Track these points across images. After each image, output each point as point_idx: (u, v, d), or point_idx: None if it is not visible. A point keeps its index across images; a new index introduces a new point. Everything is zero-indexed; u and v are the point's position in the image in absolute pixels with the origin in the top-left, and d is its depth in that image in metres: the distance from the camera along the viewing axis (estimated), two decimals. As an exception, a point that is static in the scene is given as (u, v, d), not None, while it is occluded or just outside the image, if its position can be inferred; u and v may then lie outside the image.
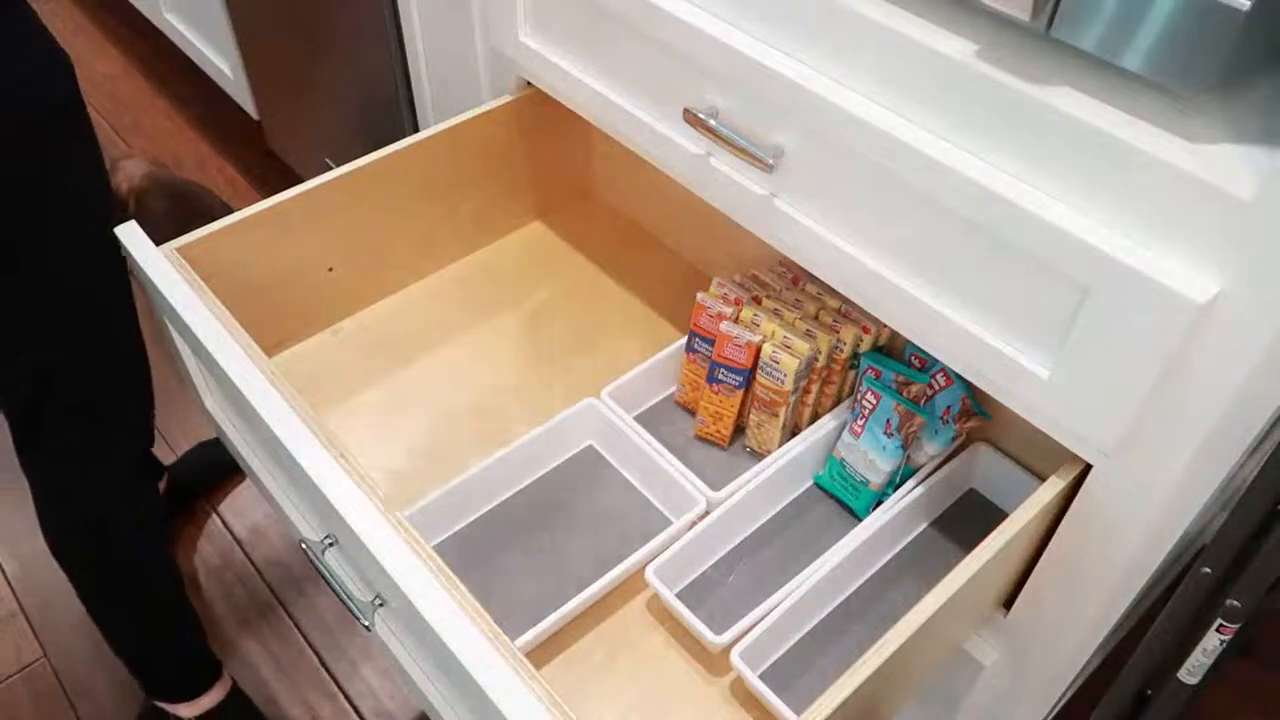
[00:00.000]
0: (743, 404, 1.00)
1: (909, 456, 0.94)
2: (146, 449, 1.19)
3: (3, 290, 0.95)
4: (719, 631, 0.84)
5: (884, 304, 0.80)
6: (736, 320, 0.97)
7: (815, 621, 0.90)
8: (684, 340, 1.03)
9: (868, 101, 0.74)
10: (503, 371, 1.11)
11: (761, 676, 0.83)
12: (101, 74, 2.63)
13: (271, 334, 1.10)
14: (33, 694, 1.47)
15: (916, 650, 0.75)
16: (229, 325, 0.86)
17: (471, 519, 0.97)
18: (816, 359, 0.96)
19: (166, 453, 1.78)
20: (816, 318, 0.99)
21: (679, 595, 0.88)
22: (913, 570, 0.94)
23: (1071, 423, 0.71)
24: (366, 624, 0.82)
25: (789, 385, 0.94)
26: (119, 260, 1.01)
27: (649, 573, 0.87)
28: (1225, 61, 0.55)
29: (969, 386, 0.93)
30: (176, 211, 1.83)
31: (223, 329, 0.86)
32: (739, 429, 1.04)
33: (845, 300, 0.98)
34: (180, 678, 1.34)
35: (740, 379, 0.97)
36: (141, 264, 0.92)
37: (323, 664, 1.51)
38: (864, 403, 0.94)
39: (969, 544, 0.78)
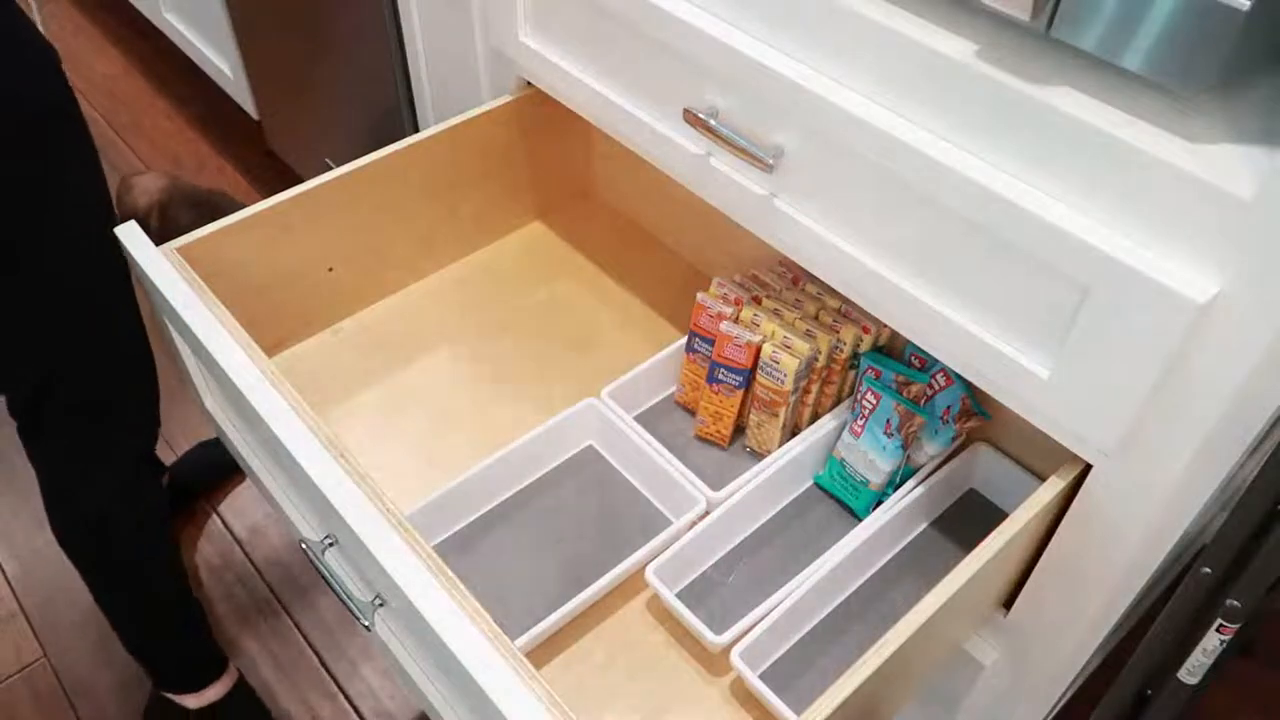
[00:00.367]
0: (743, 404, 1.00)
1: (909, 456, 0.94)
2: (149, 449, 1.20)
3: (2, 290, 0.95)
4: (719, 631, 0.84)
5: (884, 304, 0.80)
6: (736, 320, 0.97)
7: (815, 621, 0.90)
8: (684, 340, 1.03)
9: (868, 101, 0.74)
10: (503, 371, 1.11)
11: (761, 676, 0.83)
12: (101, 74, 2.63)
13: (271, 334, 1.10)
14: (33, 694, 1.47)
15: (916, 650, 0.75)
16: (229, 325, 0.86)
17: (471, 519, 0.97)
18: (816, 359, 0.96)
19: (166, 452, 1.78)
20: (816, 318, 0.99)
21: (679, 595, 0.88)
22: (913, 570, 0.94)
23: (1071, 423, 0.71)
24: (366, 624, 0.82)
25: (789, 385, 0.94)
26: (119, 260, 1.01)
27: (649, 573, 0.87)
28: (1225, 61, 0.55)
29: (969, 386, 0.93)
30: (203, 219, 1.84)
31: (223, 329, 0.86)
32: (739, 429, 1.04)
33: (845, 300, 0.98)
34: (185, 672, 1.35)
35: (740, 379, 0.97)
36: (142, 264, 0.92)
37: (323, 664, 1.51)
38: (864, 403, 0.94)
39: (969, 544, 0.78)
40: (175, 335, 1.00)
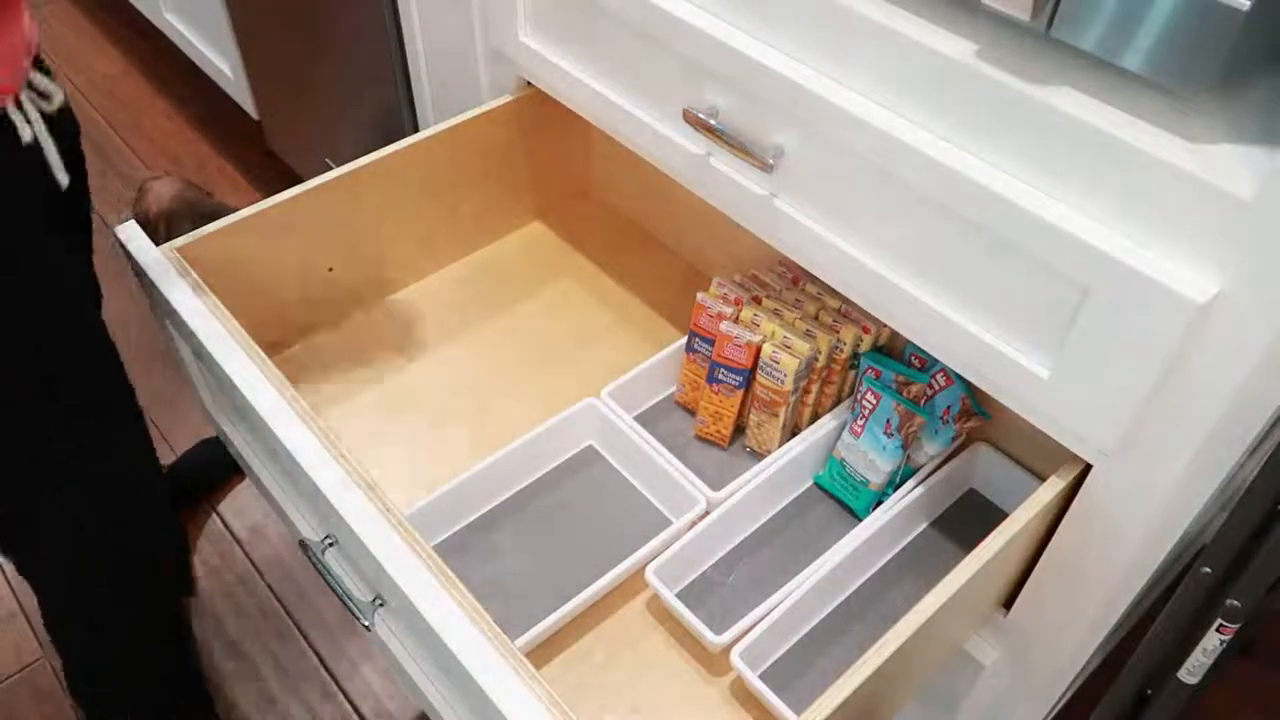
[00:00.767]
0: (742, 404, 1.00)
1: (909, 456, 0.94)
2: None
3: None
4: (719, 632, 0.84)
5: (884, 304, 0.80)
6: (736, 320, 0.97)
7: (815, 621, 0.90)
8: (684, 340, 1.03)
9: (868, 101, 0.74)
10: (503, 371, 1.11)
11: (761, 676, 0.83)
12: (101, 74, 2.63)
13: (271, 334, 1.10)
14: (33, 694, 1.47)
15: (917, 650, 0.75)
16: (229, 325, 0.86)
17: (471, 519, 0.97)
18: (816, 359, 0.96)
19: (166, 453, 1.78)
20: (816, 318, 0.99)
21: (679, 595, 0.88)
22: (913, 570, 0.94)
23: (1071, 423, 0.71)
24: (366, 624, 0.82)
25: (789, 385, 0.94)
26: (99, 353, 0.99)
27: (649, 573, 0.87)
28: (1225, 61, 0.55)
29: (969, 386, 0.93)
30: None
31: (223, 329, 0.86)
32: (739, 429, 1.04)
33: (845, 300, 0.98)
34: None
35: (740, 379, 0.97)
36: (142, 264, 0.92)
37: (323, 664, 1.51)
38: (864, 403, 0.94)
39: (969, 544, 0.78)
40: (175, 335, 1.00)
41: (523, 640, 0.84)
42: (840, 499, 0.98)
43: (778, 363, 0.94)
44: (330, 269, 1.11)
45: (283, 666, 1.50)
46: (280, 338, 1.12)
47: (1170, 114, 0.62)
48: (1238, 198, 0.57)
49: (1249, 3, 0.53)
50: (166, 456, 1.77)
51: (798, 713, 0.71)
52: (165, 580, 1.24)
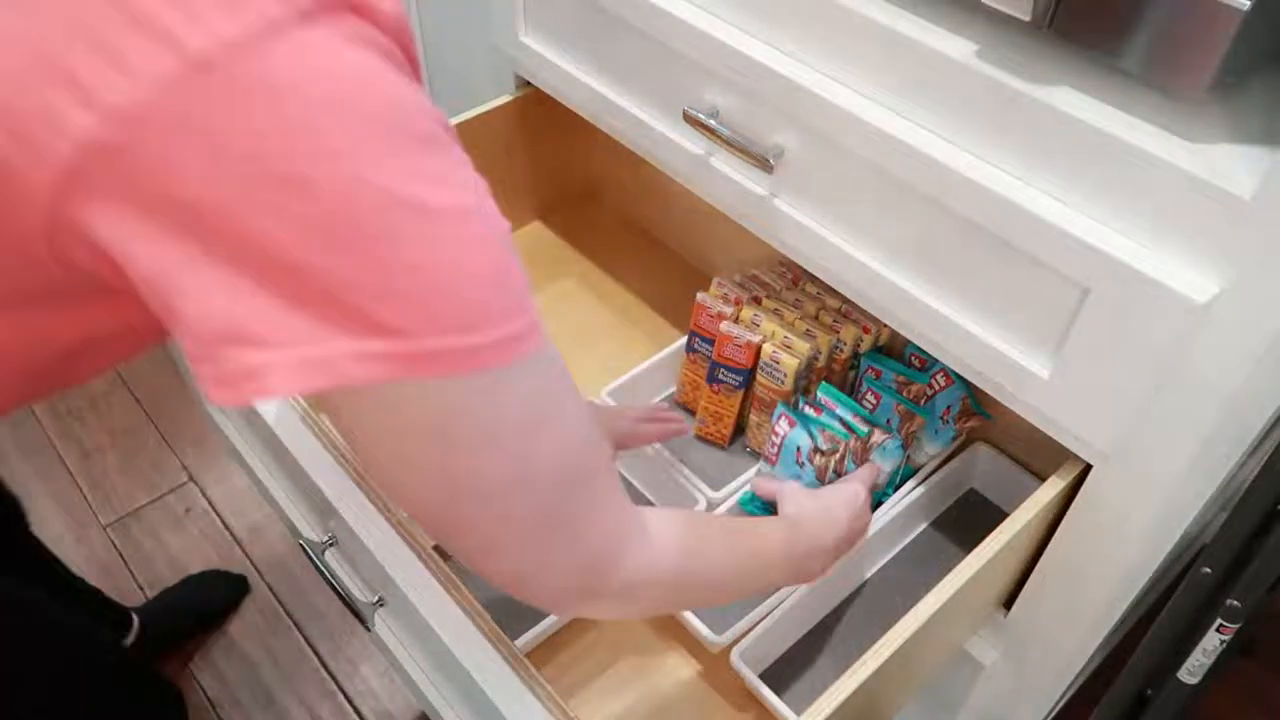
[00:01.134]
0: (742, 404, 1.00)
1: (909, 456, 0.94)
2: None
3: None
4: (719, 631, 0.84)
5: (884, 304, 0.80)
6: (737, 320, 0.97)
7: (815, 622, 0.90)
8: (684, 340, 1.03)
9: (868, 101, 0.74)
10: (503, 371, 1.11)
11: (761, 677, 0.83)
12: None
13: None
14: (33, 694, 1.47)
15: (917, 650, 0.75)
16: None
17: (472, 519, 0.96)
18: (817, 359, 0.96)
19: (168, 453, 1.78)
20: (816, 318, 0.99)
21: (679, 595, 0.88)
22: (913, 570, 0.94)
23: (1071, 423, 0.71)
24: (367, 624, 0.82)
25: (789, 385, 0.94)
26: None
27: (649, 573, 0.87)
28: (1225, 61, 0.55)
29: (969, 386, 0.93)
30: None
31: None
32: (739, 429, 1.04)
33: (845, 300, 0.98)
34: None
35: (740, 379, 0.97)
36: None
37: (323, 664, 1.51)
38: (864, 403, 0.94)
39: (969, 544, 0.78)
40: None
41: (523, 640, 0.84)
42: (840, 499, 0.98)
43: (778, 363, 0.94)
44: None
45: (283, 666, 1.50)
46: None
47: (1170, 114, 0.62)
48: (1238, 197, 0.57)
49: (1249, 3, 0.53)
50: (168, 455, 1.77)
51: (798, 713, 0.71)
52: None
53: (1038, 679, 0.91)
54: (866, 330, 0.98)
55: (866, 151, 0.74)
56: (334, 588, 0.82)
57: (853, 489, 0.82)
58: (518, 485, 0.47)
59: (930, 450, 0.96)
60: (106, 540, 1.65)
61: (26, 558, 1.19)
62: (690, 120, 0.85)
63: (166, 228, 0.39)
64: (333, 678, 1.49)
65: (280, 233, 0.38)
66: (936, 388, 0.95)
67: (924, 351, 0.93)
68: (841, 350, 0.98)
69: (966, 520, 0.97)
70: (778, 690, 0.81)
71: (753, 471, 0.95)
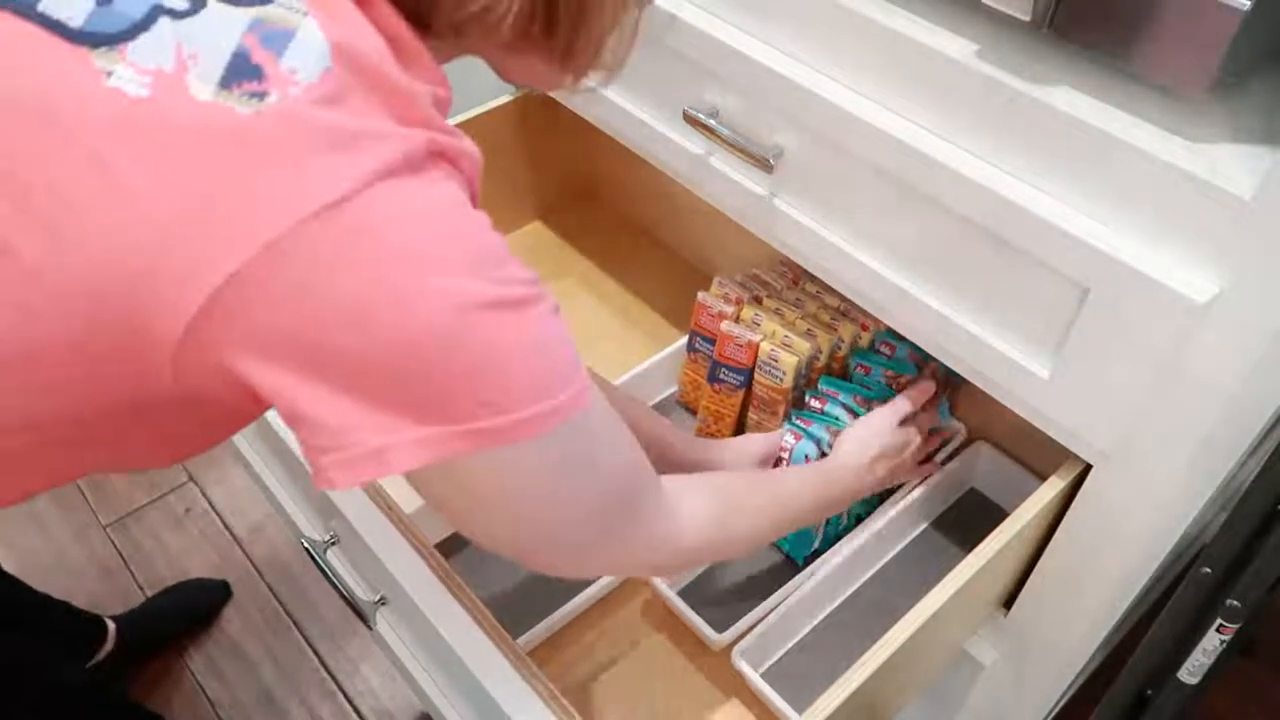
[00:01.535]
0: (743, 404, 1.00)
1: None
2: None
3: None
4: (721, 630, 0.84)
5: (884, 304, 0.80)
6: (737, 320, 0.98)
7: (816, 621, 0.90)
8: (684, 340, 1.03)
9: (868, 101, 0.74)
10: (503, 371, 1.11)
11: (763, 675, 0.83)
12: (101, 74, 2.63)
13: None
14: (33, 694, 1.47)
15: (917, 650, 0.75)
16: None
17: (472, 518, 0.97)
18: (818, 358, 0.97)
19: (167, 453, 1.78)
20: (816, 316, 0.99)
21: (680, 594, 0.88)
22: (913, 570, 0.94)
23: (1071, 423, 0.72)
24: (369, 623, 0.82)
25: (788, 383, 0.94)
26: None
27: (650, 572, 0.87)
28: (1225, 61, 0.56)
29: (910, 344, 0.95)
30: None
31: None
32: (741, 428, 1.04)
33: (844, 298, 0.99)
34: None
35: (741, 378, 0.97)
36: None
37: (323, 664, 1.51)
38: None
39: (969, 544, 0.78)
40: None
41: (525, 638, 0.84)
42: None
43: (776, 361, 0.94)
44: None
45: (283, 666, 1.50)
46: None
47: (1170, 114, 0.62)
48: (1238, 197, 0.57)
49: (1249, 3, 0.53)
50: (167, 456, 1.77)
51: (799, 711, 0.71)
52: None
53: (1038, 679, 0.92)
54: (865, 328, 0.98)
55: (866, 151, 0.74)
56: (336, 587, 0.82)
57: (883, 415, 0.89)
58: (577, 516, 0.55)
59: (935, 425, 0.96)
60: (106, 540, 1.65)
61: None
62: (690, 120, 0.85)
63: (287, 364, 0.44)
64: (333, 678, 1.49)
65: (387, 355, 0.44)
66: (884, 355, 0.98)
67: (892, 336, 0.95)
68: (841, 349, 0.98)
69: (966, 520, 0.98)
70: (779, 689, 0.81)
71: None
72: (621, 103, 0.96)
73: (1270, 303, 0.58)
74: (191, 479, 1.74)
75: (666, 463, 0.85)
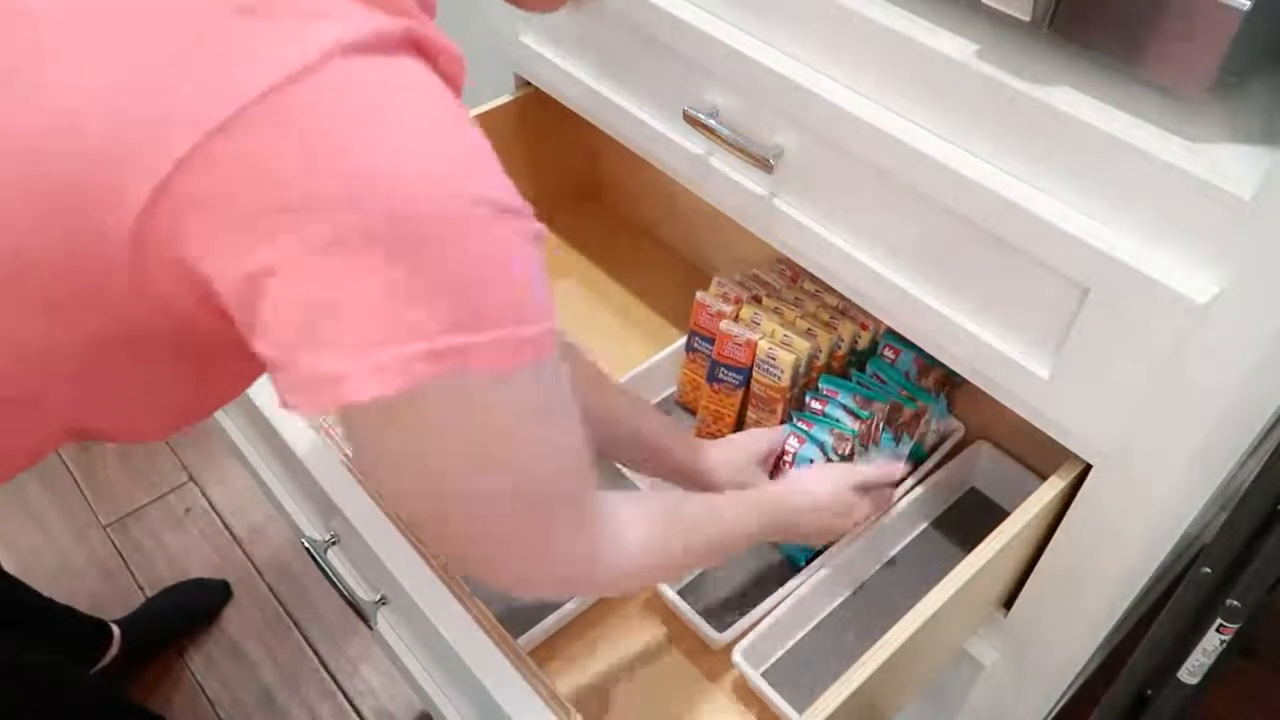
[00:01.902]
0: (743, 403, 1.00)
1: (921, 436, 0.95)
2: None
3: None
4: (721, 630, 0.84)
5: (884, 304, 0.80)
6: (736, 319, 0.98)
7: (816, 620, 0.90)
8: (684, 340, 1.03)
9: (868, 101, 0.74)
10: (503, 371, 1.11)
11: (763, 675, 0.83)
12: (101, 74, 2.63)
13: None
14: (33, 694, 1.47)
15: (917, 650, 0.75)
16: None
17: (472, 518, 0.97)
18: (817, 357, 0.97)
19: (167, 453, 1.78)
20: (815, 315, 0.99)
21: (680, 594, 0.88)
22: (913, 570, 0.94)
23: (1071, 423, 0.72)
24: (369, 623, 0.82)
25: (786, 382, 0.94)
26: None
27: (650, 572, 0.87)
28: (1225, 61, 0.56)
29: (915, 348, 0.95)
30: None
31: (224, 328, 0.86)
32: (740, 428, 1.03)
33: (844, 297, 0.99)
34: None
35: (740, 378, 0.97)
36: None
37: (323, 664, 1.51)
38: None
39: (969, 544, 0.78)
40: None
41: (525, 638, 0.84)
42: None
43: (774, 359, 0.94)
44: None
45: (283, 666, 1.50)
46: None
47: (1170, 114, 0.62)
48: (1238, 198, 0.57)
49: (1249, 3, 0.53)
50: (167, 459, 1.77)
51: (799, 711, 0.71)
52: None
53: (1038, 679, 0.92)
54: (865, 327, 0.98)
55: (866, 151, 0.74)
56: (336, 586, 0.82)
57: (846, 473, 0.84)
58: (503, 489, 0.50)
59: (935, 425, 0.97)
60: (106, 540, 1.65)
61: None
62: (690, 120, 0.85)
63: (256, 235, 0.41)
64: (333, 678, 1.49)
65: (359, 237, 0.40)
66: (888, 360, 0.98)
67: (894, 338, 0.96)
68: (840, 348, 0.98)
69: (966, 520, 0.98)
70: (779, 689, 0.81)
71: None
72: (621, 103, 0.96)
73: (1270, 303, 0.58)
74: (192, 479, 1.74)
75: (662, 466, 0.84)
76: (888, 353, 0.97)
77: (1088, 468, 0.75)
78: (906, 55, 0.70)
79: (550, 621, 0.85)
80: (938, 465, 0.96)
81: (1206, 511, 0.80)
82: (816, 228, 0.82)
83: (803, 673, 0.87)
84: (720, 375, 0.98)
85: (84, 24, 0.42)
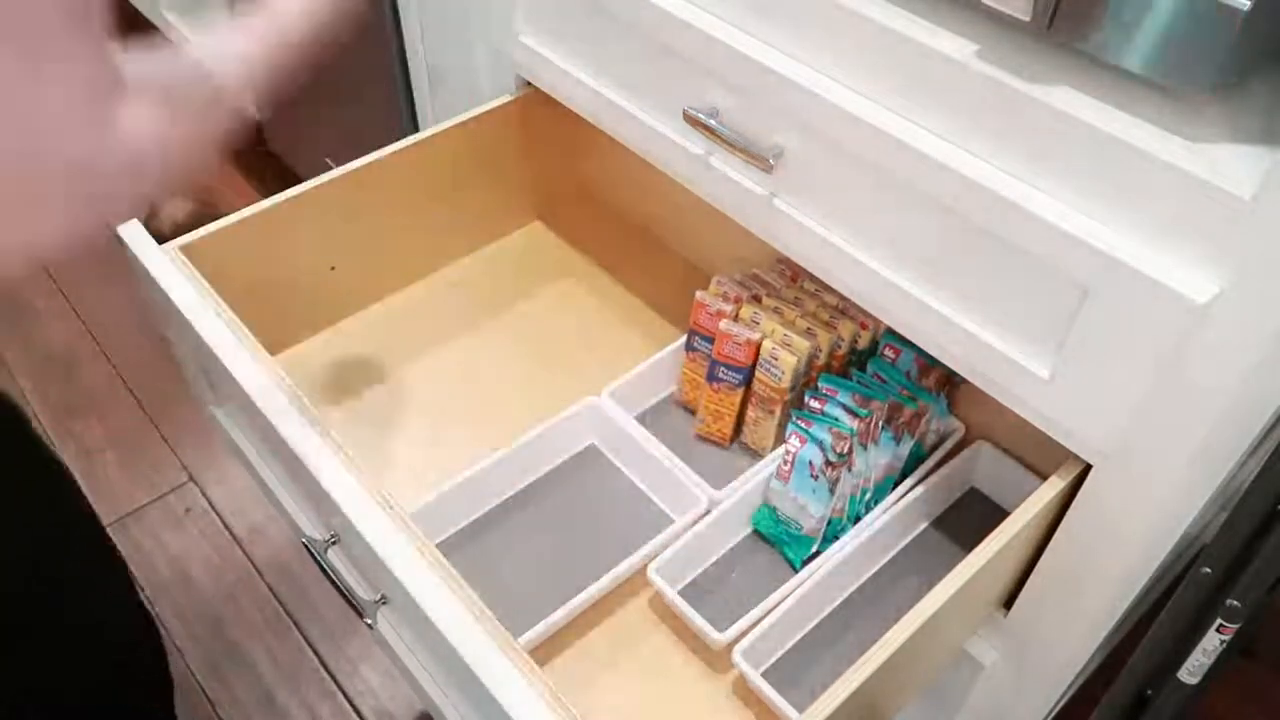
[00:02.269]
0: (743, 402, 1.00)
1: (921, 436, 0.95)
2: None
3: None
4: (721, 630, 0.84)
5: (884, 304, 0.80)
6: (736, 318, 0.98)
7: (817, 620, 0.90)
8: (684, 339, 1.03)
9: (867, 101, 0.74)
10: (504, 370, 1.11)
11: (763, 675, 0.83)
12: (101, 74, 2.63)
13: (274, 333, 1.10)
14: (33, 693, 1.47)
15: (917, 650, 0.75)
16: (231, 324, 0.86)
17: (474, 517, 0.97)
18: (818, 357, 0.97)
19: (169, 457, 1.78)
20: (815, 315, 0.99)
21: (681, 593, 0.88)
22: (913, 570, 0.94)
23: (1071, 422, 0.72)
24: (369, 622, 0.82)
25: (786, 383, 0.94)
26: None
27: (651, 571, 0.87)
28: (1225, 61, 0.56)
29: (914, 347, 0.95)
30: None
31: (225, 328, 0.86)
32: (740, 427, 1.04)
33: (843, 297, 0.99)
34: None
35: (740, 377, 0.97)
36: (144, 263, 0.92)
37: (323, 664, 1.51)
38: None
39: (969, 544, 0.78)
40: (177, 334, 1.00)
41: (526, 638, 0.84)
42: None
43: (776, 360, 0.94)
44: (332, 268, 1.11)
45: (283, 666, 1.51)
46: (282, 336, 1.12)
47: (1170, 114, 0.62)
48: (1238, 198, 0.57)
49: (1249, 3, 0.53)
50: (169, 460, 1.77)
51: (799, 711, 0.71)
52: None
53: (1038, 679, 0.92)
54: (865, 326, 0.98)
55: (866, 151, 0.74)
56: (336, 586, 0.82)
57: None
58: None
59: (935, 425, 0.97)
60: (106, 540, 1.65)
61: None
62: (690, 120, 0.85)
63: None
64: (333, 678, 1.49)
65: None
66: (888, 359, 0.98)
67: (894, 338, 0.95)
68: (840, 347, 0.98)
69: (966, 520, 0.98)
70: (779, 688, 0.81)
71: (754, 470, 0.95)
72: (621, 103, 0.96)
73: (1270, 303, 0.58)
74: (192, 479, 1.74)
75: None
76: (888, 352, 0.97)
77: (1088, 468, 0.75)
78: (906, 55, 0.70)
79: (550, 621, 0.85)
80: (938, 465, 0.96)
81: (1206, 511, 0.80)
82: (816, 228, 0.82)
83: (803, 673, 0.87)
84: (720, 374, 0.98)
85: None
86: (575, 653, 0.88)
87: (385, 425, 1.06)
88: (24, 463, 0.89)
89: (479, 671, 0.64)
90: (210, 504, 1.71)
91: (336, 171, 1.04)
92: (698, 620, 0.85)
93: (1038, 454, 0.95)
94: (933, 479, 0.94)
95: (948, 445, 0.98)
